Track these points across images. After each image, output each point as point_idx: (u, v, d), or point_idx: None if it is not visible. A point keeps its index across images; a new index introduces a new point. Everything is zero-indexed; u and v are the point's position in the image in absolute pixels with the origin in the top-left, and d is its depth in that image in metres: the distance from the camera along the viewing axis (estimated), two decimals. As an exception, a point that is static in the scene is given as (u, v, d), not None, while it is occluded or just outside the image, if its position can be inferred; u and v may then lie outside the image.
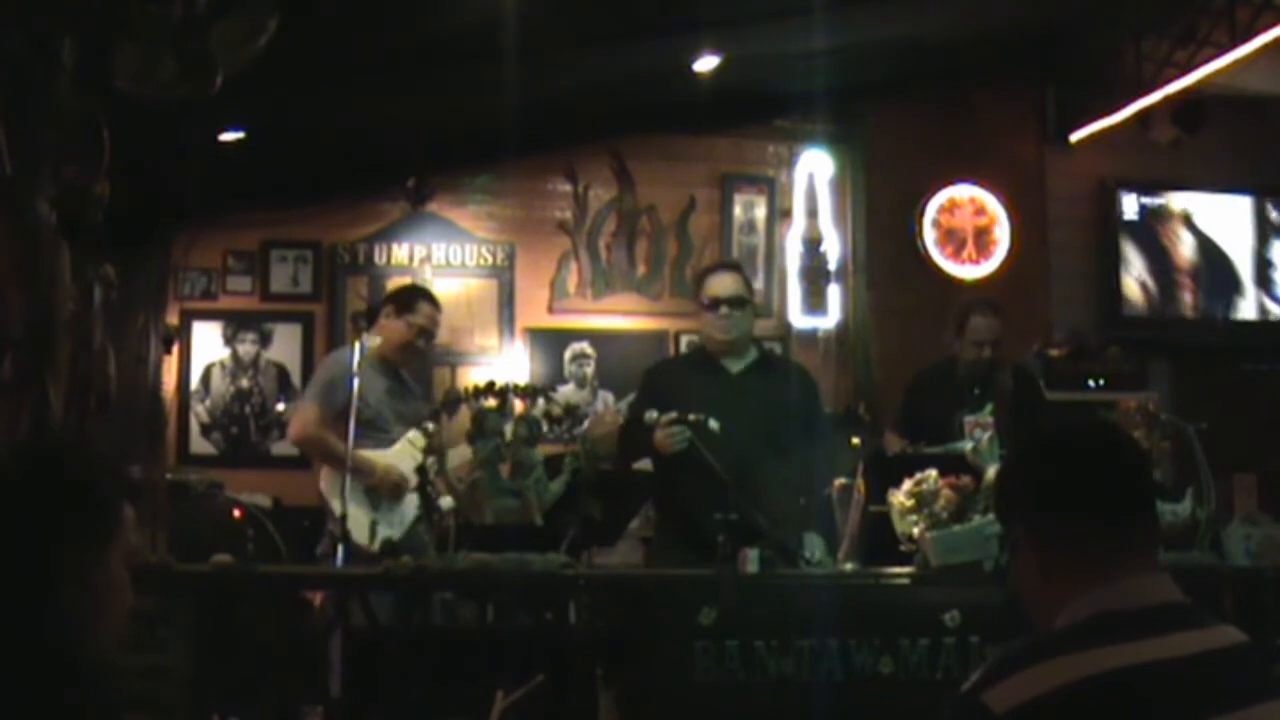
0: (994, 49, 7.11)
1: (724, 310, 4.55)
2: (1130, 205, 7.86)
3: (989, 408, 4.38)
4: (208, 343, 7.23)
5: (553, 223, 7.51)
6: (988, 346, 5.32)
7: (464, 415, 4.15)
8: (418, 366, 5.77)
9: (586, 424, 5.42)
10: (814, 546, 4.11)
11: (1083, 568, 1.73)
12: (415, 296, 5.29)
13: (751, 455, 4.27)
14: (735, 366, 4.59)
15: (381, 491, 4.92)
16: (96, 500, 1.73)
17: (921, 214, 7.63)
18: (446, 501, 4.10)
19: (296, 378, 7.23)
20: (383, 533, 4.75)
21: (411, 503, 4.86)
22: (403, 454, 4.97)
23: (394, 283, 7.16)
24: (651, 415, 4.30)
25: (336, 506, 4.88)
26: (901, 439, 4.95)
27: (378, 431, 4.97)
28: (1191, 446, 4.26)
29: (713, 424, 4.18)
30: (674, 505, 4.55)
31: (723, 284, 4.60)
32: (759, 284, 7.24)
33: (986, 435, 4.01)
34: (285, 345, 7.27)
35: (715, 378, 4.56)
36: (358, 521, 4.71)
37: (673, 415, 4.24)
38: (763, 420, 4.41)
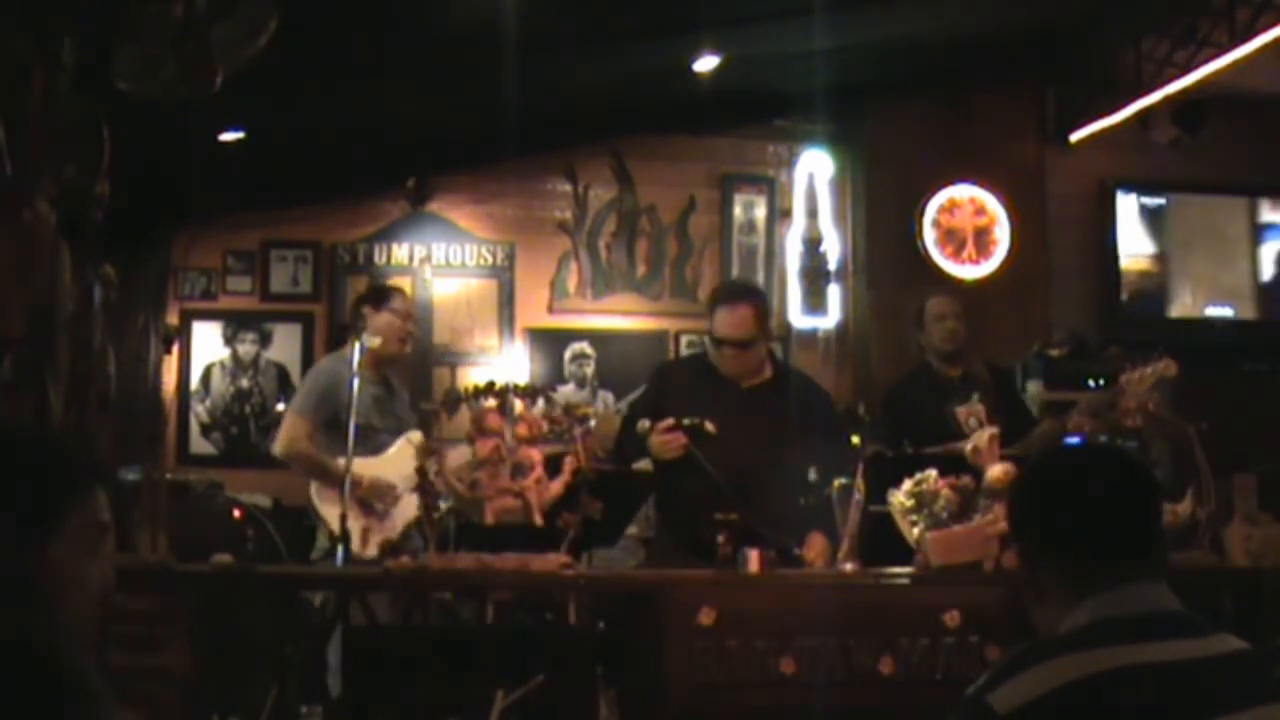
0: (994, 49, 7.11)
1: (728, 351, 4.45)
2: (1130, 205, 7.85)
3: (976, 396, 4.36)
4: (208, 343, 7.23)
5: (553, 223, 7.51)
6: (951, 319, 5.29)
7: (464, 415, 4.15)
8: (411, 367, 5.78)
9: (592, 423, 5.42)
10: (812, 548, 4.10)
11: (1082, 589, 1.75)
12: (383, 290, 5.41)
13: (753, 468, 4.24)
14: (748, 382, 4.53)
15: (372, 499, 4.91)
16: (46, 485, 1.65)
17: (921, 214, 7.62)
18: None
19: (296, 378, 7.22)
20: (375, 539, 4.76)
21: (404, 509, 4.88)
22: (397, 459, 4.97)
23: (394, 283, 7.17)
24: (644, 425, 4.27)
25: (327, 515, 4.87)
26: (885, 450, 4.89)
27: (366, 439, 4.96)
28: (1191, 446, 4.26)
29: (709, 426, 4.15)
30: (673, 508, 4.54)
31: (726, 323, 4.43)
32: (759, 283, 7.23)
33: (986, 433, 3.99)
34: (285, 345, 7.27)
35: (728, 390, 4.49)
36: (351, 529, 4.70)
37: (668, 422, 4.21)
38: (769, 437, 4.36)
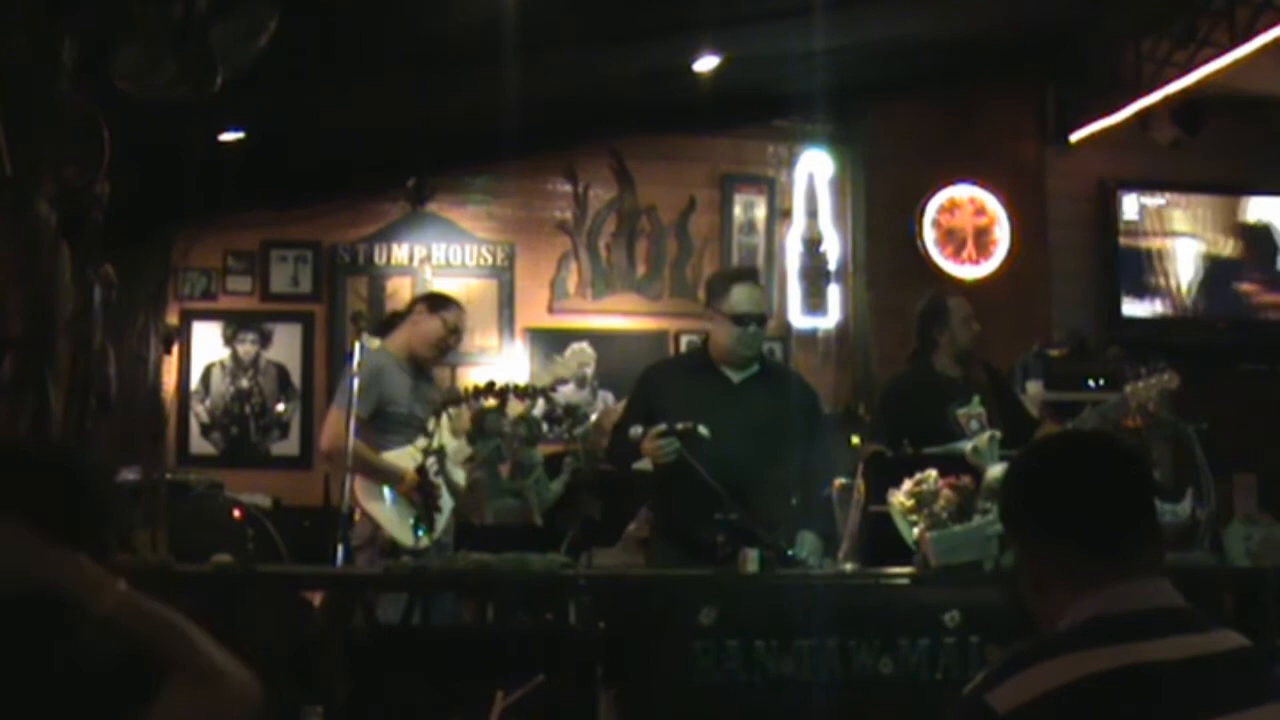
0: (994, 49, 7.12)
1: (753, 329, 4.46)
2: (1130, 205, 7.86)
3: (976, 399, 4.36)
4: (208, 343, 7.23)
5: (553, 223, 7.51)
6: (974, 320, 5.28)
7: (464, 415, 4.15)
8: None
9: (594, 418, 5.43)
10: (805, 545, 4.10)
11: (1081, 581, 1.74)
12: (446, 298, 5.44)
13: (747, 464, 4.24)
14: (737, 376, 4.51)
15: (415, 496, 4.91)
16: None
17: (921, 214, 7.63)
18: (446, 501, 4.10)
19: (296, 378, 7.23)
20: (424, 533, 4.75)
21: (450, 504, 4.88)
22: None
23: (394, 283, 7.19)
24: (636, 431, 4.25)
25: (377, 513, 4.85)
26: (888, 450, 4.88)
27: (411, 430, 4.95)
28: (1191, 446, 4.26)
29: (702, 430, 4.14)
30: (668, 511, 4.54)
31: (752, 299, 4.47)
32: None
33: (986, 434, 4.00)
34: (285, 345, 7.27)
35: (716, 385, 4.49)
36: (402, 522, 4.71)
37: (661, 427, 4.20)
38: (761, 430, 4.37)
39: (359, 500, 4.90)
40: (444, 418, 4.85)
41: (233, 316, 7.26)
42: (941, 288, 5.88)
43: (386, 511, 4.83)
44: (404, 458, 4.89)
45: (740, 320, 4.43)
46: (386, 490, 4.88)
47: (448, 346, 5.30)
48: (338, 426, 5.01)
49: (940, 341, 5.23)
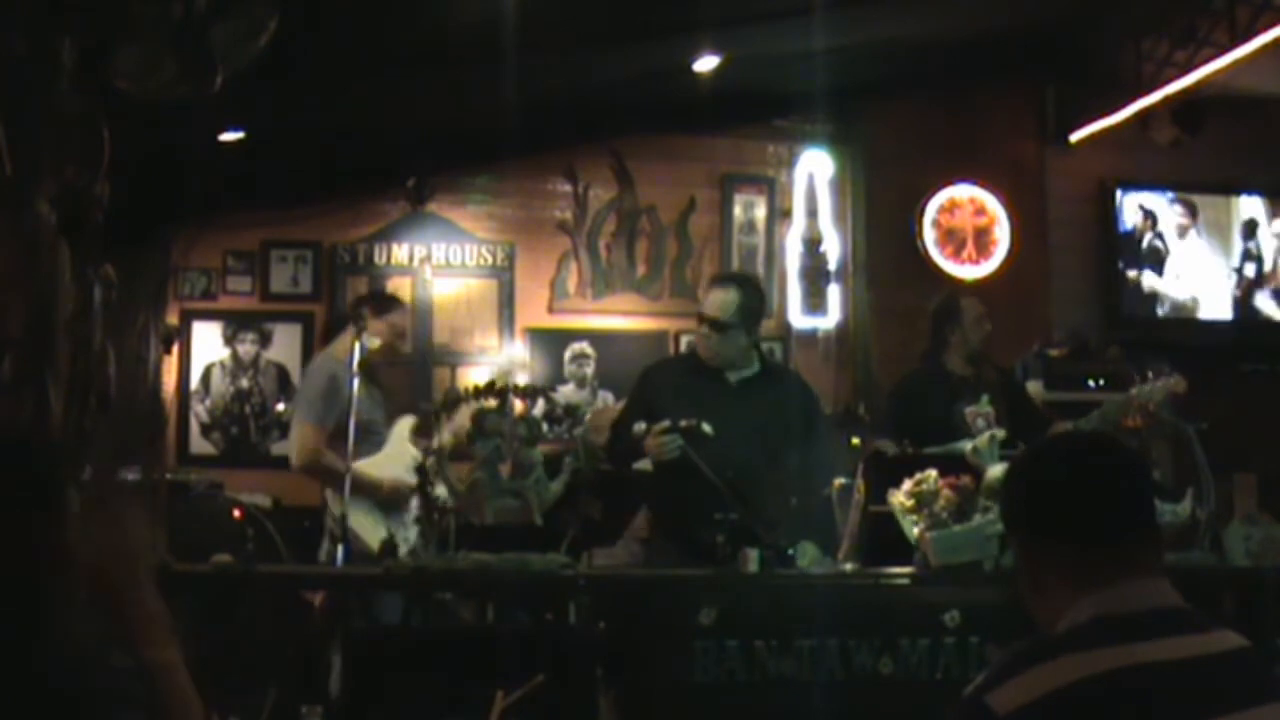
0: (994, 49, 7.11)
1: (704, 330, 4.50)
2: (1130, 205, 7.86)
3: (985, 398, 4.37)
4: (208, 343, 7.23)
5: (553, 223, 7.51)
6: (987, 321, 5.30)
7: (464, 415, 4.15)
8: (401, 371, 5.81)
9: (589, 417, 5.45)
10: (805, 555, 4.09)
11: (1080, 581, 1.74)
12: (388, 299, 5.45)
13: (746, 465, 4.25)
14: (735, 376, 4.53)
15: (397, 501, 4.89)
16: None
17: (921, 214, 7.63)
18: (442, 492, 4.09)
19: (296, 378, 7.22)
20: (402, 544, 4.74)
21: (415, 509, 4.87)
22: (399, 454, 4.96)
23: (394, 283, 7.18)
24: (639, 427, 4.26)
25: (357, 526, 4.84)
26: (894, 446, 4.89)
27: (374, 435, 4.95)
28: (1191, 446, 4.26)
29: (705, 427, 4.15)
30: (668, 509, 4.54)
31: (713, 303, 4.50)
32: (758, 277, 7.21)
33: (987, 434, 4.00)
34: (285, 345, 7.27)
35: (715, 385, 4.50)
36: (373, 536, 4.69)
37: (665, 424, 4.20)
38: (760, 431, 4.38)
39: (334, 515, 4.90)
40: (402, 422, 4.88)
41: (233, 316, 7.26)
42: (954, 288, 5.89)
43: (359, 519, 4.81)
44: (372, 467, 4.88)
45: (699, 320, 4.51)
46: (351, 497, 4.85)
47: (396, 350, 5.28)
48: (307, 442, 4.96)
49: (952, 341, 5.26)
